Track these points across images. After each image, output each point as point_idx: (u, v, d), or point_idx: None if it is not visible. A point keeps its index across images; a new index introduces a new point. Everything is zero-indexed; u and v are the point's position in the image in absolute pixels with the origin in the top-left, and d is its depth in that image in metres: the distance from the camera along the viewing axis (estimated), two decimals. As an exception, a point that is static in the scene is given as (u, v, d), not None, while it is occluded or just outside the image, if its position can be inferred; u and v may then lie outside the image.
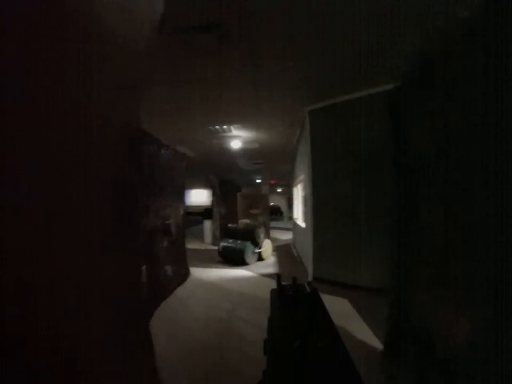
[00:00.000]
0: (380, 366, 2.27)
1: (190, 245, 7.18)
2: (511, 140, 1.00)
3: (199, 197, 17.20)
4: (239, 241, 6.48)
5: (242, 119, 5.39)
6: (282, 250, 8.30)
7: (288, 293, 0.35)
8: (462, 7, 1.68)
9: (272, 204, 16.19)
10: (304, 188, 5.93)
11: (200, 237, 10.14)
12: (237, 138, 6.65)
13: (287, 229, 12.01)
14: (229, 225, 7.63)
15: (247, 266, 6.17)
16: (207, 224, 9.83)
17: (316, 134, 4.77)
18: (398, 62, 3.01)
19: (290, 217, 13.14)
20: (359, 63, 3.22)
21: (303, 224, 6.40)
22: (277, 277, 0.37)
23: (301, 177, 6.39)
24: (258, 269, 5.96)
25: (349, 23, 2.59)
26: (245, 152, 8.05)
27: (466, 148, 1.36)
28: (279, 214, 21.92)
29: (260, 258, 6.70)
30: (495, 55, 1.05)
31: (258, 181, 15.26)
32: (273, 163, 10.16)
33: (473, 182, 1.30)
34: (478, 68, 1.19)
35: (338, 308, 3.55)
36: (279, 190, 20.27)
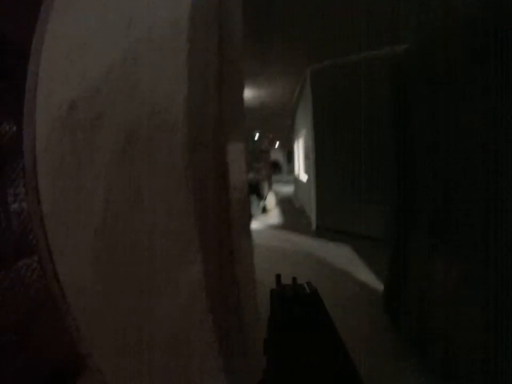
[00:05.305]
0: (382, 305, 2.40)
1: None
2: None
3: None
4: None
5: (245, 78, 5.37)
6: (284, 203, 8.78)
7: (288, 292, 0.40)
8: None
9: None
10: (306, 142, 6.09)
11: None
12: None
13: (287, 182, 12.38)
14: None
15: (253, 219, 6.62)
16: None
17: (317, 93, 4.84)
18: (406, 25, 2.94)
19: (290, 171, 13.36)
20: (362, 24, 3.18)
21: (305, 177, 6.71)
22: (277, 277, 0.44)
23: (302, 132, 6.50)
24: (265, 220, 6.44)
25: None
26: (247, 109, 7.98)
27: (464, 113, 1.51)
28: (278, 169, 21.94)
29: (264, 210, 7.16)
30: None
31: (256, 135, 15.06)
32: (272, 118, 10.07)
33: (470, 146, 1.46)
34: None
35: (342, 253, 3.96)
36: (277, 145, 20.09)
